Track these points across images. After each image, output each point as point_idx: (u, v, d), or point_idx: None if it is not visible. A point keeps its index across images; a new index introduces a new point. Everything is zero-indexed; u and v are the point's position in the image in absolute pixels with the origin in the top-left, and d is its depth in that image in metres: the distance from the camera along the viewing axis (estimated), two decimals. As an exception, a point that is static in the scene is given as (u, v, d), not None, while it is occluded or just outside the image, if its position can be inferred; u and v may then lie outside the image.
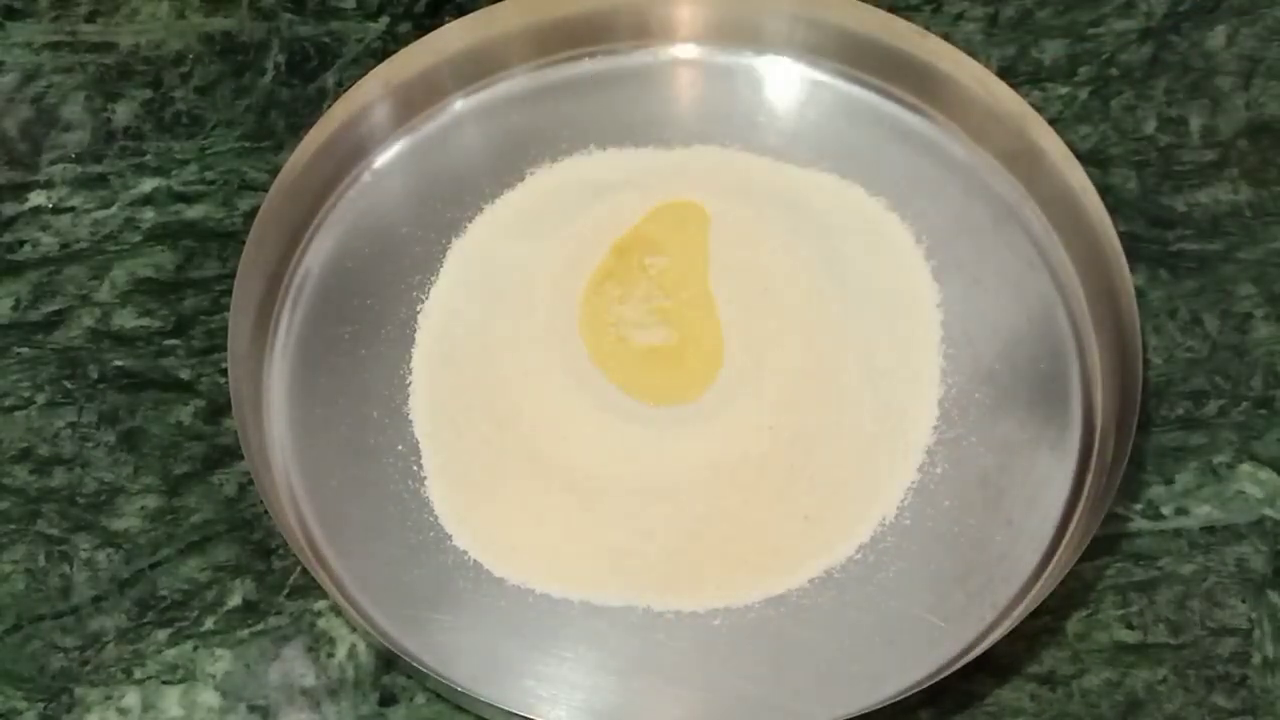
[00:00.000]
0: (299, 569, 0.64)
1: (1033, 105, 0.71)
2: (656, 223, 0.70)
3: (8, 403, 0.68)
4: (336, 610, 0.64)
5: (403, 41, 0.75)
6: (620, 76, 0.75)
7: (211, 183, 0.74)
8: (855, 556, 0.64)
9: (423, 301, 0.69)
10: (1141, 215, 0.73)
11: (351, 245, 0.71)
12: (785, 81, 0.75)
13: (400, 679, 0.63)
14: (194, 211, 0.73)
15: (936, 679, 0.60)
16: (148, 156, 0.74)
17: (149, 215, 0.73)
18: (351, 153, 0.72)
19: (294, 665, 0.63)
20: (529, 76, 0.75)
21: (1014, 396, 0.67)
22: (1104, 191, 0.70)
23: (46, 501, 0.66)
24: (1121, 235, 0.68)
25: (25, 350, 0.69)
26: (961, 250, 0.71)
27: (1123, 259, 0.67)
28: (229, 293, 0.67)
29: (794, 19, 0.74)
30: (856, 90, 0.75)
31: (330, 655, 0.63)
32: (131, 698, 0.62)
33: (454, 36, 0.74)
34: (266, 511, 0.63)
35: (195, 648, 0.63)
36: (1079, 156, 0.70)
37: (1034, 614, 0.62)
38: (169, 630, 0.63)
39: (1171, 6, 0.78)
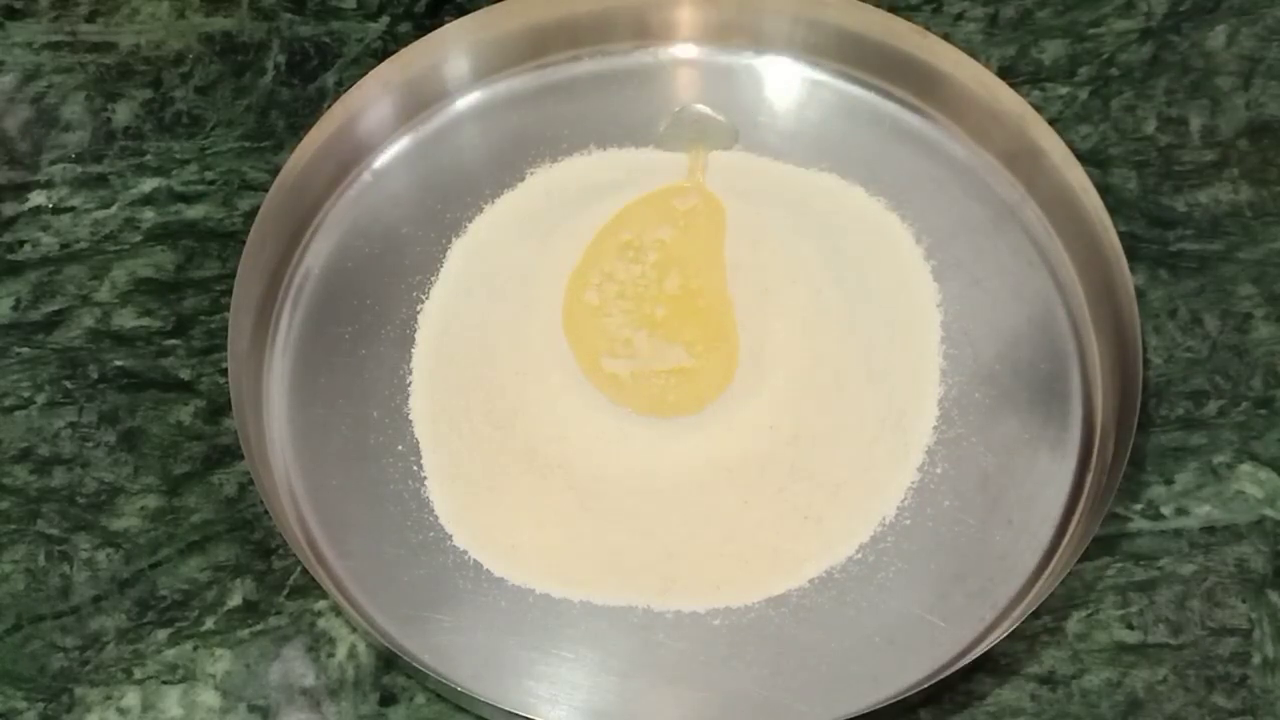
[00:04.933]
0: (299, 569, 0.64)
1: (1033, 105, 0.71)
2: (666, 219, 0.70)
3: (8, 403, 0.68)
4: (336, 610, 0.64)
5: (403, 41, 0.75)
6: (620, 76, 0.75)
7: (211, 183, 0.74)
8: (855, 556, 0.64)
9: (423, 301, 0.69)
10: (1141, 215, 0.73)
11: (351, 245, 0.71)
12: (785, 81, 0.75)
13: (400, 679, 0.63)
14: (194, 211, 0.73)
15: (936, 679, 0.60)
16: (148, 156, 0.74)
17: (149, 215, 0.73)
18: (351, 153, 0.72)
19: (294, 665, 0.63)
20: (529, 76, 0.75)
21: (1014, 396, 0.67)
22: (1104, 191, 0.70)
23: (46, 501, 0.66)
24: (1121, 235, 0.68)
25: (25, 350, 0.69)
26: (961, 250, 0.71)
27: (1123, 259, 0.67)
28: (229, 293, 0.67)
29: (794, 19, 0.74)
30: (856, 90, 0.75)
31: (330, 655, 0.63)
32: (131, 698, 0.62)
33: (454, 36, 0.74)
34: (266, 511, 0.63)
35: (195, 648, 0.63)
36: (1079, 156, 0.70)
37: (1034, 614, 0.62)
38: (169, 630, 0.64)
39: (1171, 6, 0.78)
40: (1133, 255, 0.69)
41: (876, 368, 0.67)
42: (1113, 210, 0.69)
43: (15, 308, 0.71)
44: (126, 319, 0.70)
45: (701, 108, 0.74)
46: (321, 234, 0.71)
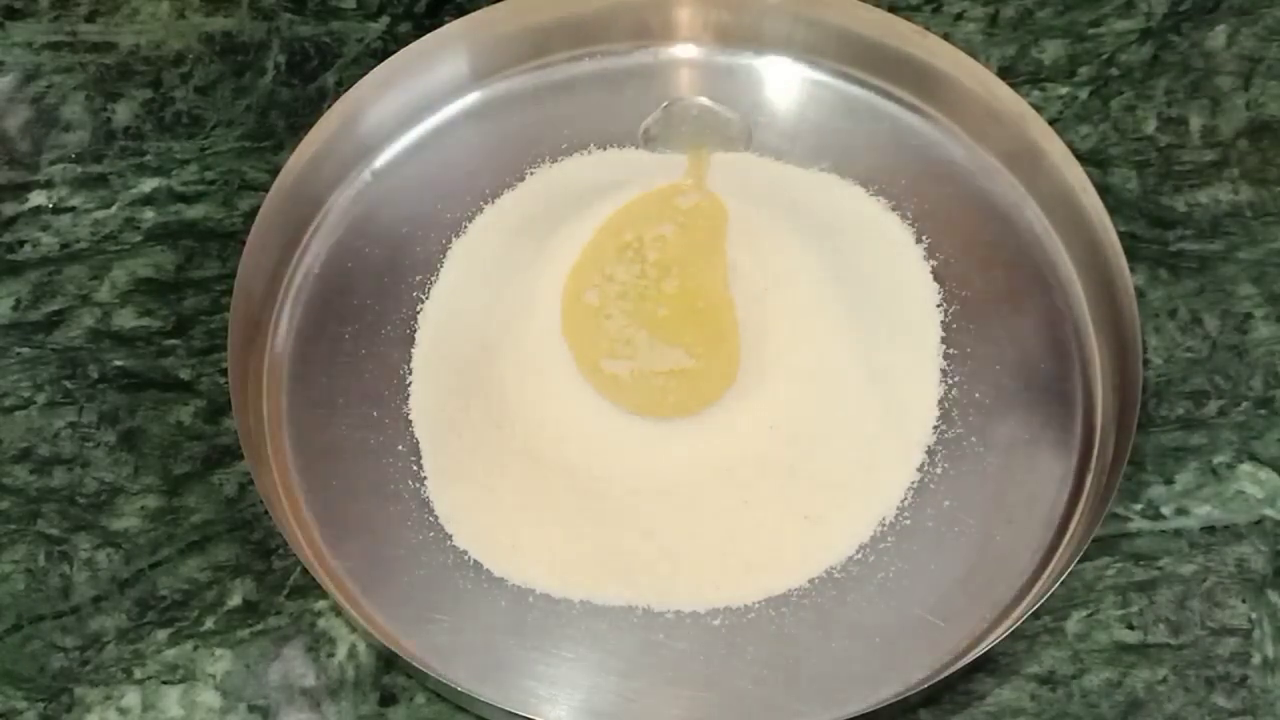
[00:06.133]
0: (299, 569, 0.64)
1: (1033, 105, 0.71)
2: (668, 219, 0.69)
3: (8, 403, 0.68)
4: (336, 610, 0.64)
5: (403, 41, 0.75)
6: (620, 76, 0.75)
7: (211, 183, 0.74)
8: (855, 556, 0.64)
9: (423, 301, 0.69)
10: (1141, 215, 0.73)
11: (351, 245, 0.71)
12: (785, 81, 0.75)
13: (400, 679, 0.63)
14: (194, 211, 0.73)
15: (936, 679, 0.60)
16: (148, 156, 0.74)
17: (149, 215, 0.73)
18: (351, 153, 0.72)
19: (294, 665, 0.63)
20: (529, 76, 0.75)
21: (1014, 396, 0.67)
22: (1104, 191, 0.70)
23: (46, 501, 0.66)
24: (1121, 235, 0.68)
25: (25, 350, 0.69)
26: (961, 250, 0.71)
27: (1123, 259, 0.67)
28: (229, 293, 0.67)
29: (794, 19, 0.74)
30: (856, 90, 0.75)
31: (330, 655, 0.63)
32: (131, 698, 0.62)
33: (454, 36, 0.73)
34: (266, 511, 0.63)
35: (195, 648, 0.63)
36: (1079, 156, 0.70)
37: (1034, 614, 0.62)
38: (169, 630, 0.64)
39: (1171, 6, 0.78)
40: (1133, 255, 0.69)
41: (876, 368, 0.67)
42: (1113, 210, 0.69)
43: (15, 308, 0.71)
44: (126, 319, 0.70)
45: (707, 103, 0.74)
46: (321, 234, 0.71)
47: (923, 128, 0.74)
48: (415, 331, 0.69)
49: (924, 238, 0.71)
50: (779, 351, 0.66)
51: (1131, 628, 0.64)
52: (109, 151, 0.75)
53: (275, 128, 0.75)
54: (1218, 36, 0.77)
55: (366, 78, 0.72)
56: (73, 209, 0.73)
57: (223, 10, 0.79)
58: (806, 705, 0.61)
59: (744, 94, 0.75)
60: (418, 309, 0.69)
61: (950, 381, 0.67)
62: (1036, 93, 0.76)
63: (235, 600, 0.64)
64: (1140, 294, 0.69)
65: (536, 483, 0.64)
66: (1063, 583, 0.61)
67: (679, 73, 0.76)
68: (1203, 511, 0.66)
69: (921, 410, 0.67)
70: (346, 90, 0.72)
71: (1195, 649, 0.63)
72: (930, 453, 0.66)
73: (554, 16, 0.74)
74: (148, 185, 0.74)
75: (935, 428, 0.66)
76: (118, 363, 0.69)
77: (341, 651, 0.63)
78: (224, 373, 0.68)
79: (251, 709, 0.62)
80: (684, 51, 0.76)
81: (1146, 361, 0.68)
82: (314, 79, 0.77)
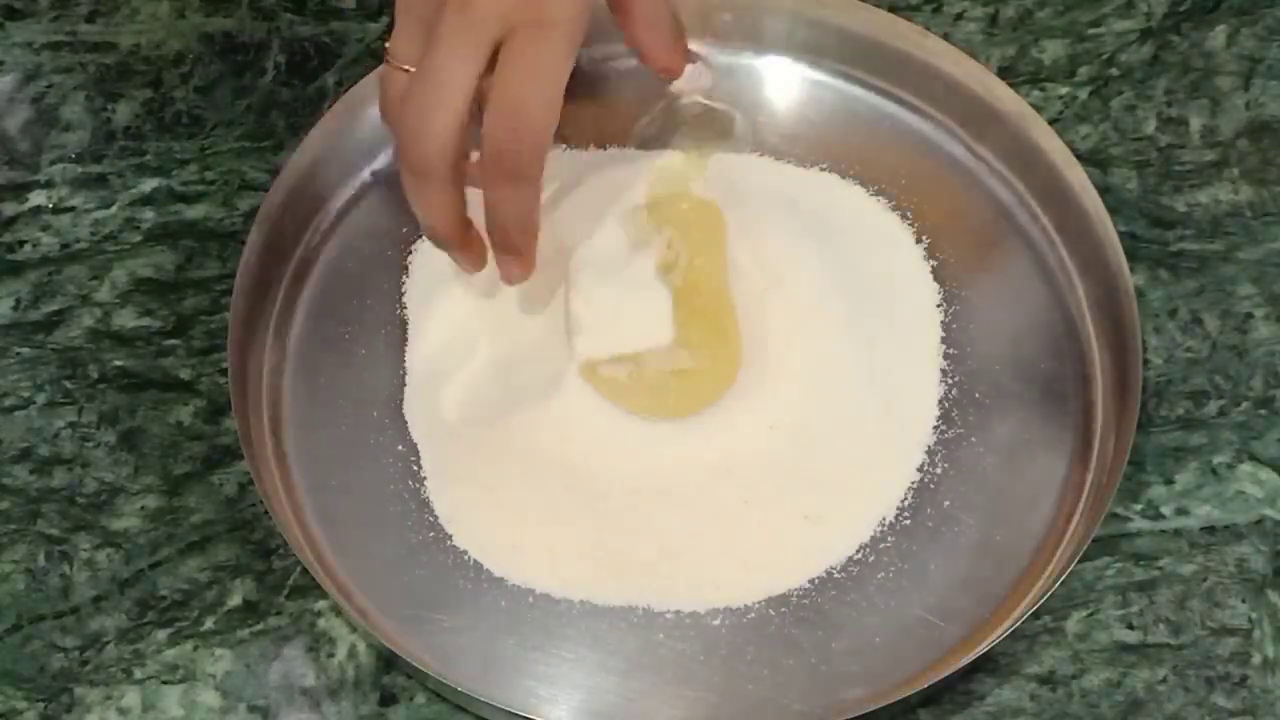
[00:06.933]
0: (299, 569, 0.64)
1: (1033, 105, 0.71)
2: (667, 221, 0.69)
3: (8, 403, 0.68)
4: (336, 610, 0.64)
5: (403, 41, 0.75)
6: (620, 76, 0.75)
7: (211, 183, 0.74)
8: (855, 556, 0.64)
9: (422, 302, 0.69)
10: (1141, 215, 0.73)
11: (351, 245, 0.71)
12: (785, 81, 0.75)
13: (400, 679, 0.63)
14: (194, 211, 0.73)
15: (936, 679, 0.60)
16: (148, 156, 0.74)
17: (149, 215, 0.73)
18: (351, 153, 0.72)
19: (294, 665, 0.63)
20: (529, 76, 0.75)
21: (1014, 396, 0.67)
22: (1104, 191, 0.70)
23: (46, 501, 0.66)
24: (1121, 235, 0.68)
25: (25, 350, 0.69)
26: (961, 250, 0.71)
27: (1123, 259, 0.67)
28: (229, 293, 0.67)
29: (794, 19, 0.74)
30: (856, 90, 0.75)
31: (330, 655, 0.63)
32: (131, 698, 0.62)
33: (454, 36, 0.73)
34: (266, 511, 0.63)
35: (195, 648, 0.63)
36: (1079, 156, 0.70)
37: (1034, 614, 0.62)
38: (169, 630, 0.64)
39: (1171, 6, 0.78)
40: (1133, 255, 0.69)
41: (876, 367, 0.67)
42: (1113, 210, 0.69)
43: (15, 308, 0.71)
44: (126, 319, 0.70)
45: (707, 103, 0.74)
46: (321, 234, 0.71)
47: (923, 128, 0.74)
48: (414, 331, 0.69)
49: (924, 238, 0.71)
50: (779, 351, 0.66)
51: (1131, 628, 0.64)
52: (109, 151, 0.75)
53: (275, 128, 0.75)
54: (1218, 36, 0.78)
55: (366, 78, 0.72)
56: (73, 209, 0.73)
57: (223, 10, 0.79)
58: (806, 705, 0.61)
59: (744, 94, 0.75)
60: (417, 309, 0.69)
61: (950, 381, 0.67)
62: (1036, 93, 0.76)
63: (235, 600, 0.64)
64: (1140, 294, 0.69)
65: (536, 483, 0.64)
66: (1063, 583, 0.61)
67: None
68: (1203, 511, 0.66)
69: (921, 410, 0.67)
70: (346, 90, 0.72)
71: (1195, 649, 0.63)
72: (930, 453, 0.66)
73: (554, 16, 0.74)
74: (148, 185, 0.74)
75: (935, 428, 0.66)
76: (118, 363, 0.69)
77: (341, 651, 0.63)
78: (224, 373, 0.68)
79: (251, 709, 0.62)
80: (684, 51, 0.76)
81: (1146, 361, 0.68)
82: (314, 79, 0.77)
